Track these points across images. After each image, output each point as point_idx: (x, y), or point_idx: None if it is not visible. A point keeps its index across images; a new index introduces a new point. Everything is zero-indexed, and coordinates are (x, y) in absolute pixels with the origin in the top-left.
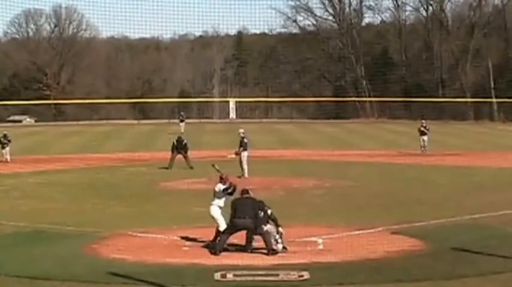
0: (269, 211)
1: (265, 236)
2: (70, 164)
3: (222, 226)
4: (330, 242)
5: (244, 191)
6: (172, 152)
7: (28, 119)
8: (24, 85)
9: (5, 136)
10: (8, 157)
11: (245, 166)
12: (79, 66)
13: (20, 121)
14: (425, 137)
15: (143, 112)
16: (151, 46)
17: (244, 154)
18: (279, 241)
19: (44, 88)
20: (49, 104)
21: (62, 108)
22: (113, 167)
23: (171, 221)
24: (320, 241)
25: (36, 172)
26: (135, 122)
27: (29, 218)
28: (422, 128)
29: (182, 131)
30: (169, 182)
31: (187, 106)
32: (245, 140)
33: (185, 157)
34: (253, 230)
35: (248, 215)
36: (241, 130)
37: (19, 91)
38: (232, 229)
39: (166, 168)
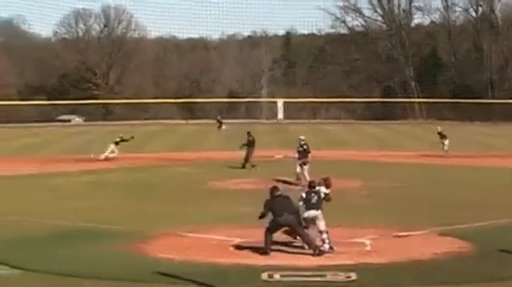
0: (322, 194)
1: (306, 237)
2: (117, 164)
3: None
4: (377, 243)
5: (276, 189)
6: (247, 149)
7: (77, 119)
8: (74, 85)
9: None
10: (113, 154)
11: (302, 172)
12: (127, 66)
13: (69, 121)
14: (446, 141)
15: (191, 112)
16: (199, 46)
17: (303, 161)
18: (326, 241)
19: (93, 88)
20: (98, 103)
21: (110, 108)
22: (159, 167)
23: (218, 221)
24: (367, 242)
25: (83, 171)
26: (183, 122)
27: (73, 217)
28: (441, 133)
29: (222, 130)
30: (217, 181)
31: (236, 106)
32: (304, 147)
33: (248, 155)
34: (297, 225)
35: (288, 211)
36: (302, 137)
37: (68, 91)
38: (276, 228)
39: (243, 167)
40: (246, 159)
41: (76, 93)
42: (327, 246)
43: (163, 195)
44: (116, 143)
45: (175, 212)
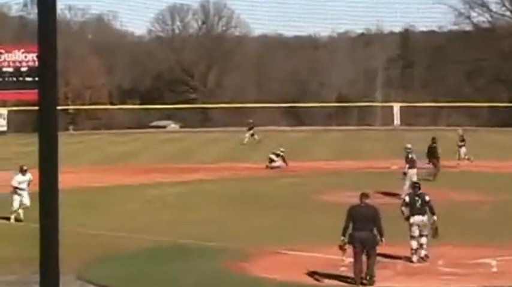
0: (427, 197)
1: (372, 262)
2: (215, 174)
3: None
4: (504, 264)
5: (364, 196)
6: (431, 159)
7: (173, 125)
8: (169, 87)
9: None
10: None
11: (407, 184)
12: (227, 67)
13: (163, 127)
14: (464, 149)
15: (297, 117)
16: (306, 45)
17: (411, 172)
18: (424, 246)
19: (190, 91)
20: (195, 108)
21: (209, 113)
22: (262, 177)
23: (327, 237)
24: (493, 262)
25: (180, 182)
26: (288, 128)
27: (169, 232)
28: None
29: (245, 141)
30: (327, 194)
31: (347, 111)
32: (411, 156)
33: (434, 166)
34: (372, 247)
35: (368, 228)
36: (409, 145)
37: (163, 94)
38: (354, 246)
39: (431, 179)
40: (436, 168)
41: (171, 96)
42: (415, 258)
43: (268, 208)
44: (277, 155)
45: (280, 227)
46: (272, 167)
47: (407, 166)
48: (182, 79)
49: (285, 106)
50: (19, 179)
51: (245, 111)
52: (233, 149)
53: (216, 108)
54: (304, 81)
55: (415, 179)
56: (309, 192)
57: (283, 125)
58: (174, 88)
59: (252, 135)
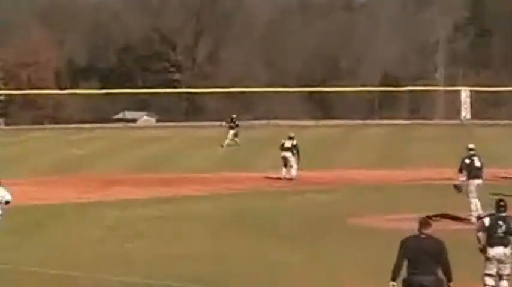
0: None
1: None
2: (206, 187)
3: None
4: None
5: (425, 224)
6: None
7: (146, 118)
8: (142, 64)
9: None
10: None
11: (473, 201)
12: (225, 37)
13: (134, 121)
14: None
15: (323, 107)
16: (337, 6)
17: (473, 183)
18: None
19: (172, 70)
20: (179, 93)
21: (198, 100)
22: (273, 193)
23: (366, 281)
24: None
25: (157, 199)
26: (311, 123)
27: (145, 270)
28: None
29: (227, 142)
30: (365, 217)
31: (394, 99)
32: (476, 163)
33: None
34: None
35: (432, 268)
36: (471, 145)
37: (133, 74)
38: None
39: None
40: None
41: (145, 78)
42: None
43: (283, 237)
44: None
45: (300, 265)
46: (285, 178)
47: (465, 174)
48: (161, 53)
49: (307, 91)
50: None
51: (250, 98)
52: (232, 151)
53: (209, 94)
54: (334, 58)
55: (473, 194)
56: (339, 213)
57: (304, 118)
58: (149, 66)
59: (236, 135)
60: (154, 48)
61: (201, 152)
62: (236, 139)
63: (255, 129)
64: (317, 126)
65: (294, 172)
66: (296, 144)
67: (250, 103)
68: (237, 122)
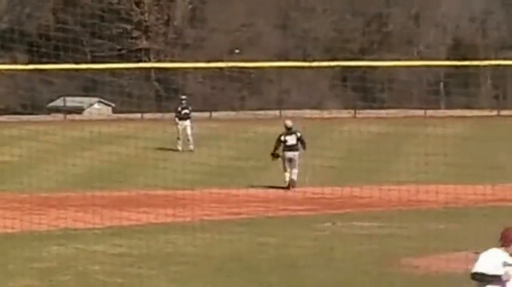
0: None
1: None
2: (185, 211)
3: None
4: None
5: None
6: None
7: (97, 106)
8: (91, 27)
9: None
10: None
11: None
12: None
13: (78, 111)
14: None
15: (359, 91)
16: None
17: None
18: None
19: (135, 34)
20: (145, 69)
21: (174, 81)
22: (295, 218)
23: None
24: None
25: (110, 230)
26: (344, 113)
27: None
28: None
29: (179, 136)
30: (418, 257)
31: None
32: None
33: None
34: None
35: None
36: None
37: (77, 41)
38: None
39: None
40: None
41: (96, 47)
42: None
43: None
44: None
45: None
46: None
47: None
48: (119, 10)
49: (339, 66)
50: None
51: (252, 78)
52: (221, 157)
53: (190, 70)
54: (379, 18)
55: None
56: (390, 250)
57: (335, 107)
58: (102, 30)
59: (191, 129)
60: (109, 3)
61: (177, 157)
62: (189, 136)
63: (260, 122)
64: (354, 119)
65: (296, 176)
66: (301, 136)
67: (253, 85)
68: (190, 108)
